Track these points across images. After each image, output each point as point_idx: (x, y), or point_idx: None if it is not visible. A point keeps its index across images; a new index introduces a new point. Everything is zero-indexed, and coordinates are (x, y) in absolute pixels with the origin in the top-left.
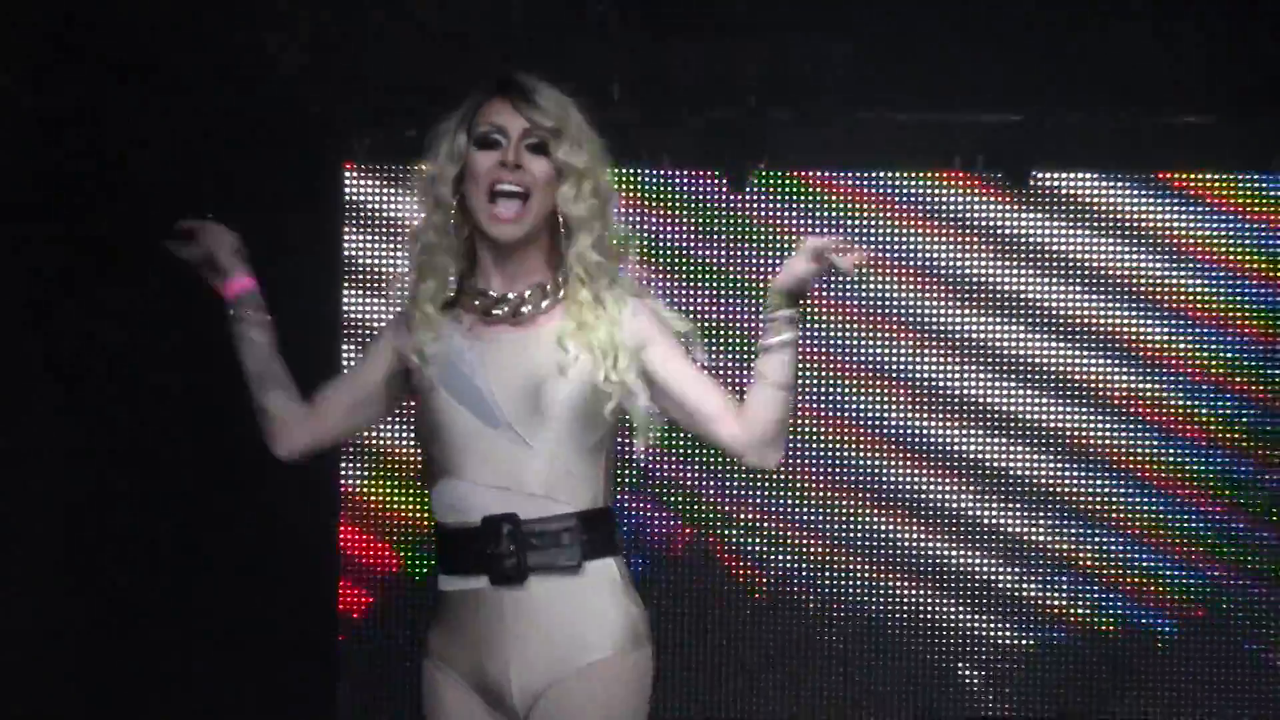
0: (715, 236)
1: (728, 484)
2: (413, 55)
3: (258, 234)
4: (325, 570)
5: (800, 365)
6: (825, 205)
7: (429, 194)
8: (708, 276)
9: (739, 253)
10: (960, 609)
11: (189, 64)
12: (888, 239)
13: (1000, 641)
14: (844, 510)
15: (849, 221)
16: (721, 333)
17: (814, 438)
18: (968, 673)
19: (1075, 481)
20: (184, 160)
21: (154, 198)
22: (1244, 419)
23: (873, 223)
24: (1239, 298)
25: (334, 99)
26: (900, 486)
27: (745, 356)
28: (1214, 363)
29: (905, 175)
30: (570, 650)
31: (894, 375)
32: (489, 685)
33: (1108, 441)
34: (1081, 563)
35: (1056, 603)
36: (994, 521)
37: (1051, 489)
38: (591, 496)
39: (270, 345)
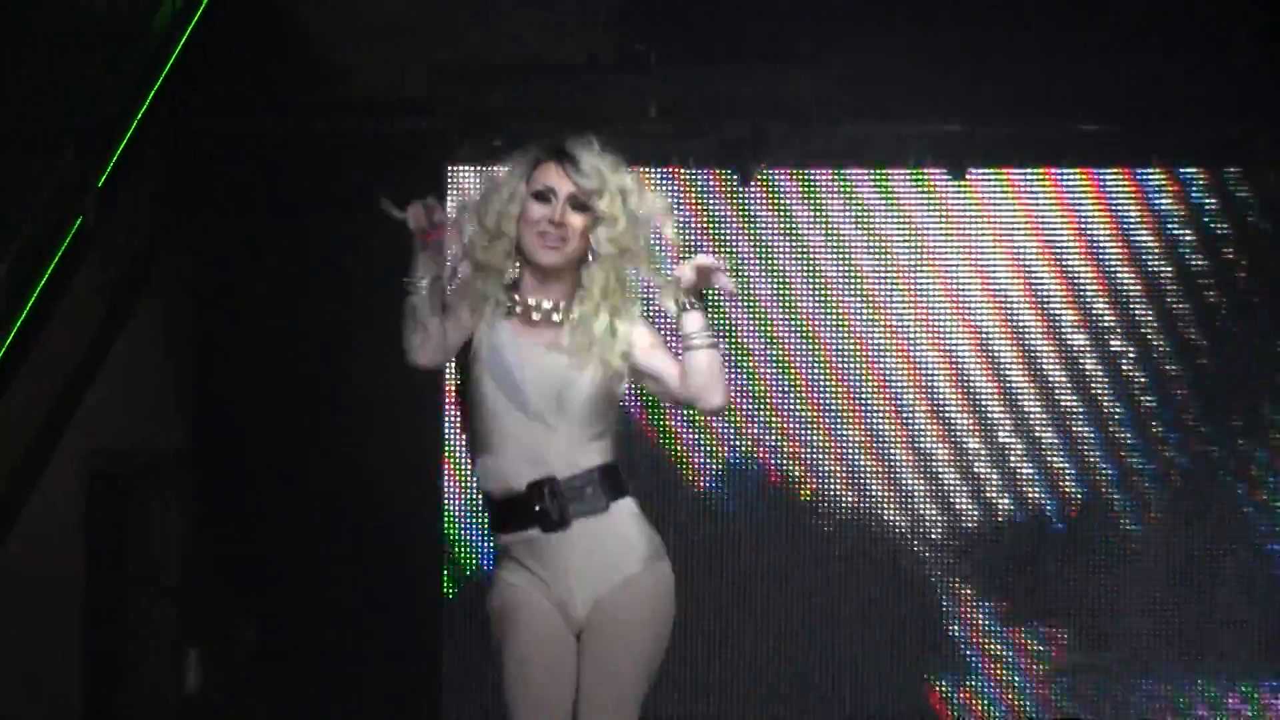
0: (728, 221)
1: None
2: (498, 81)
3: (383, 221)
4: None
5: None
6: (812, 195)
7: (488, 227)
8: (725, 252)
9: (746, 232)
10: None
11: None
12: (857, 220)
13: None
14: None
15: (830, 209)
16: (742, 297)
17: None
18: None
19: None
20: (330, 163)
21: (307, 191)
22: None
23: (847, 208)
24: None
25: (441, 115)
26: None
27: (751, 319)
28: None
29: (871, 172)
30: (610, 571)
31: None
32: (559, 599)
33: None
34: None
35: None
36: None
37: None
38: (602, 457)
39: (441, 283)
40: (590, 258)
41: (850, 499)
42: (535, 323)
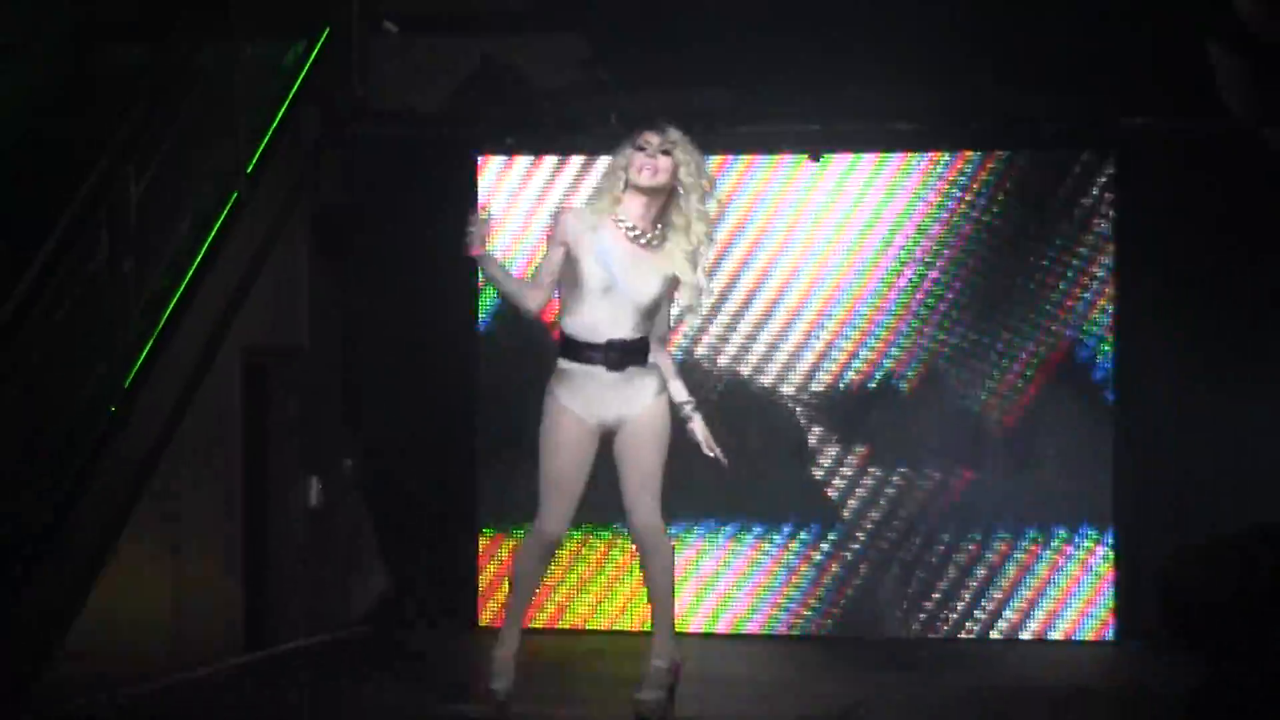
0: None
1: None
2: (510, 99)
3: (423, 202)
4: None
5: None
6: (721, 175)
7: (615, 168)
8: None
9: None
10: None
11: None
12: (752, 191)
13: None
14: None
15: (731, 185)
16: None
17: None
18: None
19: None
20: (396, 155)
21: (385, 171)
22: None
23: (743, 185)
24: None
25: (470, 122)
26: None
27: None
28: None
29: (760, 159)
30: (639, 398)
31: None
32: (598, 415)
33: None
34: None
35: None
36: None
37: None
38: (647, 332)
39: (506, 270)
40: (675, 194)
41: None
42: (633, 239)
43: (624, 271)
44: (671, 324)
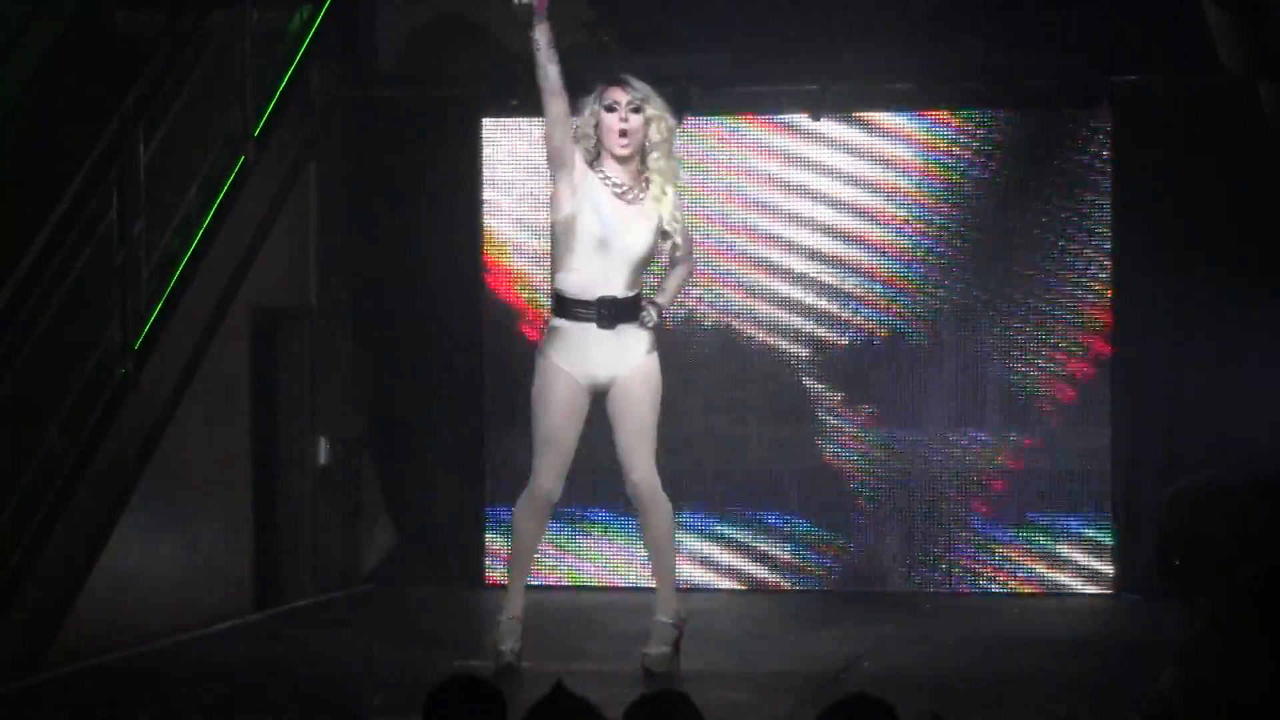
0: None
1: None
2: (515, 61)
3: (429, 165)
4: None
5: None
6: (720, 136)
7: (585, 128)
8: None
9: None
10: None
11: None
12: (749, 150)
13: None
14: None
15: (730, 145)
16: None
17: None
18: None
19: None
20: (403, 115)
21: (390, 133)
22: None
23: (741, 144)
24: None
25: (476, 83)
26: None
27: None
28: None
29: (758, 118)
30: (631, 356)
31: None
32: (590, 374)
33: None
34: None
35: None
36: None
37: None
38: (639, 289)
39: (551, 39)
40: (648, 146)
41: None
42: (621, 196)
43: (616, 227)
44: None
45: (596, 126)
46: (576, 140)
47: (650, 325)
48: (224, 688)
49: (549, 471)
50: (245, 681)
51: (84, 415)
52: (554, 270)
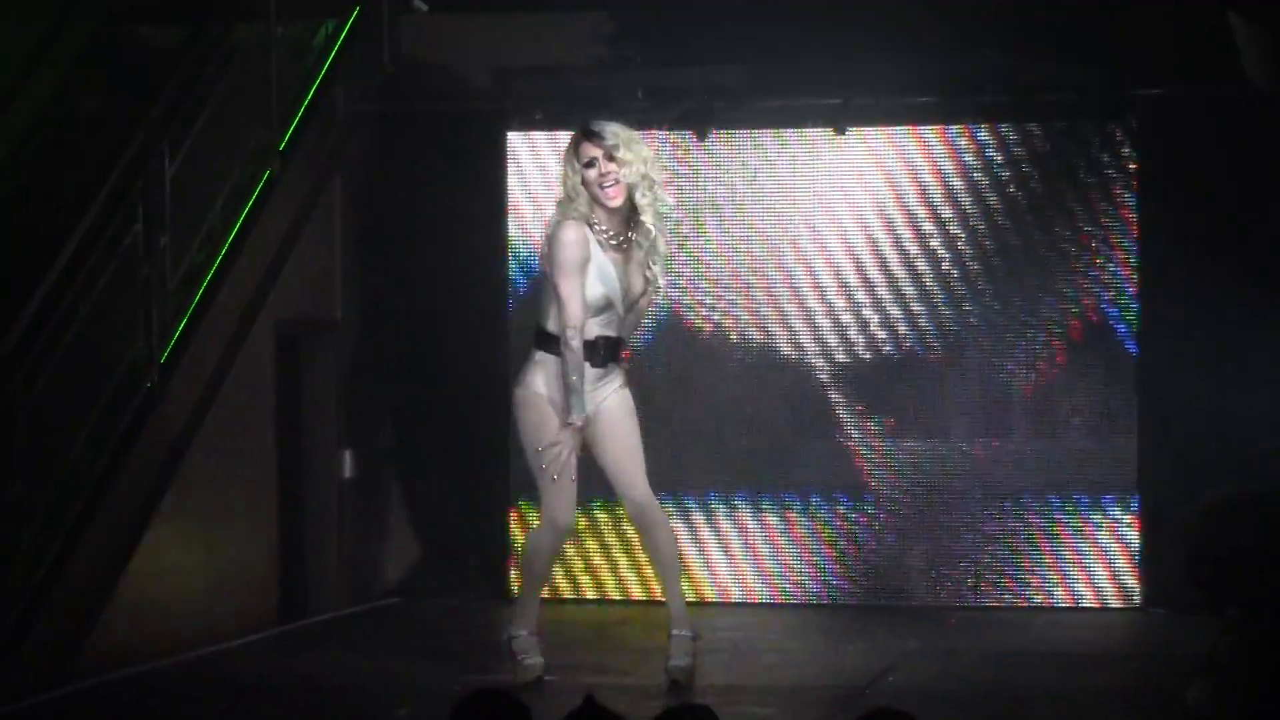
0: (690, 165)
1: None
2: (538, 76)
3: (454, 178)
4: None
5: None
6: (744, 148)
7: (572, 186)
8: (683, 183)
9: (702, 174)
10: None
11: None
12: (771, 164)
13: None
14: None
15: (752, 158)
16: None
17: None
18: None
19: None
20: (425, 130)
21: (416, 147)
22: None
23: (762, 158)
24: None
25: (500, 99)
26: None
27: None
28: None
29: (780, 131)
30: (608, 387)
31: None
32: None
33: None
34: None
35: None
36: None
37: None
38: (625, 329)
39: (578, 384)
40: (630, 189)
41: (785, 350)
42: (617, 247)
43: (617, 282)
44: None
45: (583, 184)
46: (571, 200)
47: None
48: (249, 701)
49: (560, 506)
50: (270, 694)
51: (110, 428)
52: (545, 308)
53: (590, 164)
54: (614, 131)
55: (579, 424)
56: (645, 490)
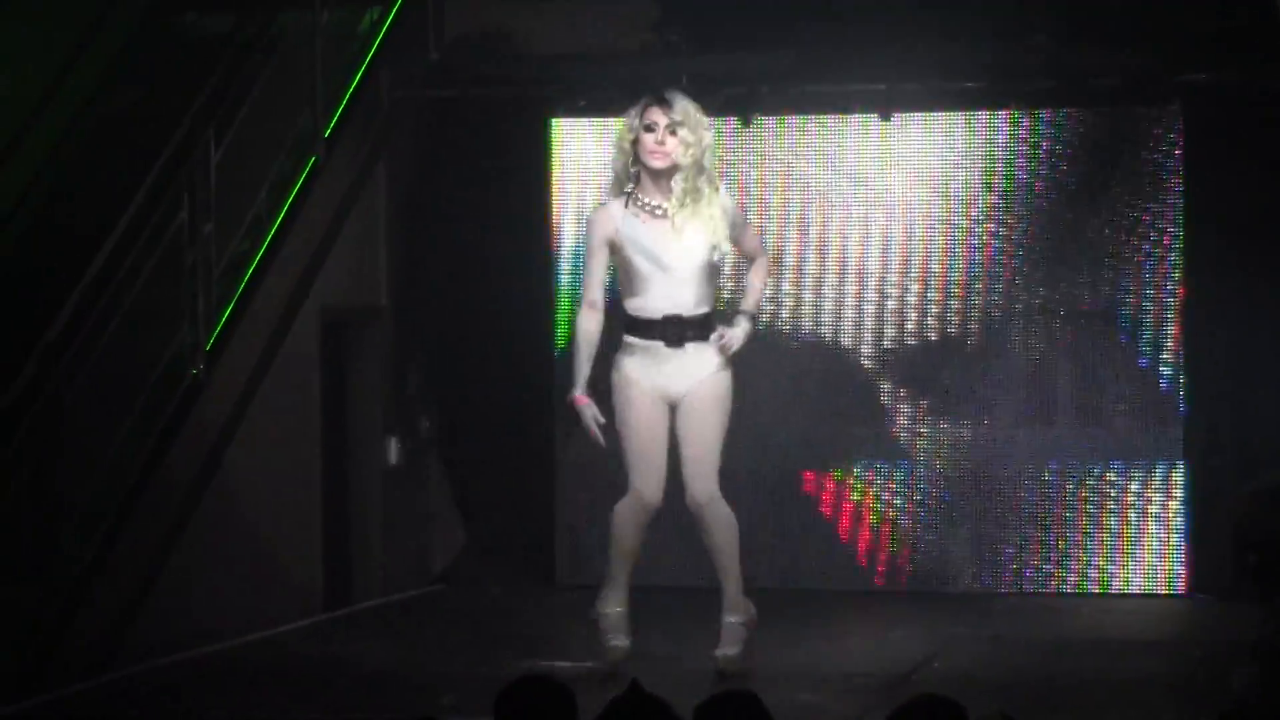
0: (735, 151)
1: None
2: (584, 62)
3: (499, 165)
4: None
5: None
6: (789, 133)
7: (623, 145)
8: (731, 166)
9: (746, 159)
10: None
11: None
12: (815, 150)
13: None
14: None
15: (798, 143)
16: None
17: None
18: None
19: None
20: (471, 117)
21: (459, 134)
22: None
23: (807, 141)
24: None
25: (544, 85)
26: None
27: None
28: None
29: (824, 117)
30: (700, 371)
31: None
32: (661, 388)
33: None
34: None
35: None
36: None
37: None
38: (709, 305)
39: (585, 365)
40: (681, 166)
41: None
42: (661, 216)
43: (664, 251)
44: (759, 245)
45: (635, 143)
46: (625, 154)
47: (729, 345)
48: (294, 688)
49: (647, 483)
50: (315, 681)
51: (156, 415)
52: (620, 293)
53: (650, 128)
54: (685, 109)
55: (578, 400)
56: (707, 489)
